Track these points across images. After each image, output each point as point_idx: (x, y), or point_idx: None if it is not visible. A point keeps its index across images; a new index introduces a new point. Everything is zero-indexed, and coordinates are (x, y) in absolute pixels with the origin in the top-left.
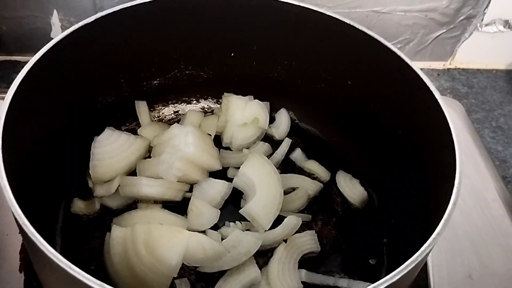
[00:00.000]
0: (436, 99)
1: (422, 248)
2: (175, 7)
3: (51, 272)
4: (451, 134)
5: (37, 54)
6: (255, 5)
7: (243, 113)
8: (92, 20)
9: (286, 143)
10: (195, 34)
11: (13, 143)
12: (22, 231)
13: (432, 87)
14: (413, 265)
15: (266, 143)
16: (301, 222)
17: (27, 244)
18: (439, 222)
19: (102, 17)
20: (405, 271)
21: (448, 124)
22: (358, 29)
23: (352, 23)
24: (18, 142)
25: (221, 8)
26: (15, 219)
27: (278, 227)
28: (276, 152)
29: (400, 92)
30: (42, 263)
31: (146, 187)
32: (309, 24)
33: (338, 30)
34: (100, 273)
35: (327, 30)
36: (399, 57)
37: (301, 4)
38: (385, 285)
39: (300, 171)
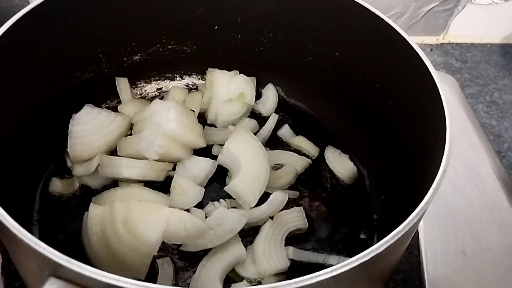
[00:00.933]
0: (426, 67)
1: (410, 218)
2: None
3: (17, 249)
4: (441, 101)
5: (6, 23)
6: None
7: (228, 88)
8: None
9: (273, 119)
10: (177, 6)
11: None
12: None
13: (422, 54)
14: (400, 235)
15: (253, 120)
16: (287, 198)
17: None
18: (428, 190)
19: None
20: (392, 241)
21: (438, 91)
22: None
23: None
24: None
25: None
26: None
27: (264, 204)
28: (262, 128)
29: (389, 62)
30: (8, 239)
31: (126, 168)
32: None
33: None
34: (79, 254)
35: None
36: (389, 26)
37: None
38: (372, 255)
39: (288, 147)
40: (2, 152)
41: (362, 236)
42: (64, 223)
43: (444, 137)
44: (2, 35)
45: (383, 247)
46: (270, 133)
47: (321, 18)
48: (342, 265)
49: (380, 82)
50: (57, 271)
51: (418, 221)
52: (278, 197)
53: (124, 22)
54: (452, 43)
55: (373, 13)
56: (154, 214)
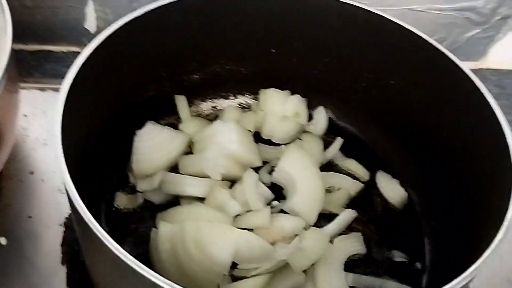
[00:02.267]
0: (487, 102)
1: (480, 260)
2: (218, 1)
3: (110, 268)
4: (504, 136)
5: (89, 46)
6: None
7: (283, 107)
8: (140, 14)
9: (338, 143)
10: (237, 29)
11: (67, 137)
12: (81, 223)
13: (483, 89)
14: (471, 277)
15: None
16: (356, 215)
17: (85, 237)
18: (493, 238)
19: (149, 11)
20: (463, 282)
21: (501, 127)
22: (403, 27)
23: (397, 20)
24: (71, 137)
25: (264, 2)
26: (71, 205)
27: (334, 221)
28: (327, 150)
29: (445, 92)
30: (101, 257)
31: (190, 186)
32: (352, 21)
33: (382, 27)
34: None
35: (370, 27)
36: (444, 55)
37: (343, 0)
38: None
39: (338, 170)
40: (77, 166)
41: (414, 261)
42: (128, 237)
43: (510, 173)
44: (83, 62)
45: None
46: (331, 157)
47: (376, 46)
48: None
49: (434, 112)
50: None
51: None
52: (349, 214)
53: (187, 43)
54: (491, 69)
55: (426, 41)
56: (225, 234)
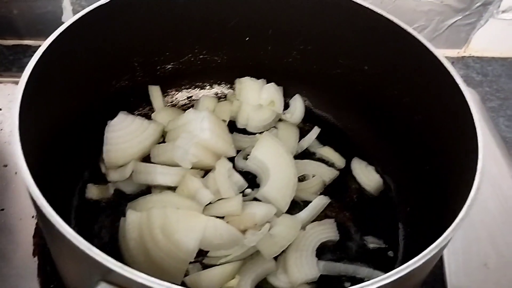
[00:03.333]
0: (457, 85)
1: (447, 232)
2: None
3: (67, 253)
4: (472, 120)
5: (49, 37)
6: None
7: (259, 96)
8: (106, 1)
9: (315, 132)
10: (210, 17)
11: (28, 128)
12: (39, 212)
13: (454, 72)
14: (437, 249)
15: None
16: (329, 201)
17: (44, 226)
18: (462, 206)
19: None
20: (429, 256)
21: (469, 110)
22: (377, 13)
23: (371, 7)
24: (33, 127)
25: None
26: (32, 200)
27: (306, 209)
28: (303, 139)
29: (419, 78)
30: (59, 243)
31: (161, 175)
32: (327, 7)
33: (356, 14)
34: (114, 258)
35: (345, 14)
36: (419, 42)
37: None
38: (410, 269)
39: (314, 157)
40: (42, 158)
41: (388, 248)
42: (99, 227)
43: (476, 154)
44: (47, 48)
45: (421, 261)
46: (309, 145)
47: (350, 32)
48: (382, 278)
49: (408, 96)
50: (108, 276)
51: (453, 236)
52: (321, 201)
53: (160, 32)
54: (473, 56)
55: (403, 28)
56: (192, 221)
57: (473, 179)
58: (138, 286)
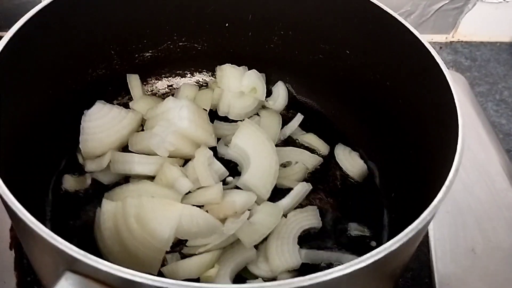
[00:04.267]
0: (438, 66)
1: (423, 215)
2: None
3: (33, 243)
4: (453, 100)
5: (20, 20)
6: None
7: (240, 83)
8: None
9: (297, 119)
10: (188, 3)
11: None
12: (3, 201)
13: (435, 54)
14: (413, 233)
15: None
16: (311, 188)
17: (10, 215)
18: (440, 188)
19: None
20: (405, 239)
21: (450, 90)
22: None
23: None
24: (4, 117)
25: None
26: None
27: (288, 196)
28: (285, 126)
29: (400, 61)
30: (25, 234)
31: (138, 164)
32: None
33: None
34: (91, 249)
35: None
36: (401, 24)
37: None
38: (385, 253)
39: (297, 144)
40: (14, 149)
41: (372, 234)
42: (76, 218)
43: (456, 136)
44: (15, 32)
45: (396, 245)
46: (291, 132)
47: (331, 16)
48: (355, 263)
49: (390, 80)
50: (73, 266)
51: (431, 219)
52: (303, 188)
53: (136, 19)
54: (462, 41)
55: (385, 11)
56: (167, 210)
57: (453, 160)
58: (103, 274)
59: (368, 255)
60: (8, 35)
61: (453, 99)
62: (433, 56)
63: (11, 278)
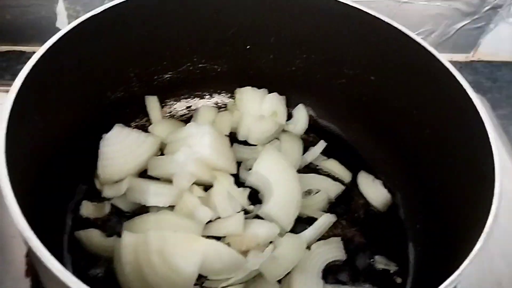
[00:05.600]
0: (468, 95)
1: (460, 269)
2: None
3: (51, 281)
4: (486, 134)
5: (43, 46)
6: None
7: (260, 106)
8: (101, 10)
9: (320, 146)
10: (208, 25)
11: (17, 141)
12: (26, 243)
13: (464, 82)
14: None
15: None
16: (335, 220)
17: (32, 256)
18: (478, 237)
19: (111, 7)
20: None
21: (483, 123)
22: (382, 21)
23: (376, 14)
24: (23, 140)
25: None
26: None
27: (311, 227)
28: (306, 153)
29: (427, 88)
30: (42, 270)
31: (153, 196)
32: (331, 15)
33: (361, 21)
34: (110, 280)
35: (349, 21)
36: (426, 50)
37: None
38: None
39: (318, 171)
40: (32, 174)
41: (398, 268)
42: None
43: (493, 173)
44: (40, 57)
45: None
46: (313, 159)
47: (356, 41)
48: None
49: (417, 108)
50: None
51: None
52: (328, 219)
53: (156, 41)
54: (483, 60)
55: (406, 34)
56: (190, 245)
57: (490, 204)
58: None
59: None
60: (33, 59)
61: (485, 129)
62: (457, 80)
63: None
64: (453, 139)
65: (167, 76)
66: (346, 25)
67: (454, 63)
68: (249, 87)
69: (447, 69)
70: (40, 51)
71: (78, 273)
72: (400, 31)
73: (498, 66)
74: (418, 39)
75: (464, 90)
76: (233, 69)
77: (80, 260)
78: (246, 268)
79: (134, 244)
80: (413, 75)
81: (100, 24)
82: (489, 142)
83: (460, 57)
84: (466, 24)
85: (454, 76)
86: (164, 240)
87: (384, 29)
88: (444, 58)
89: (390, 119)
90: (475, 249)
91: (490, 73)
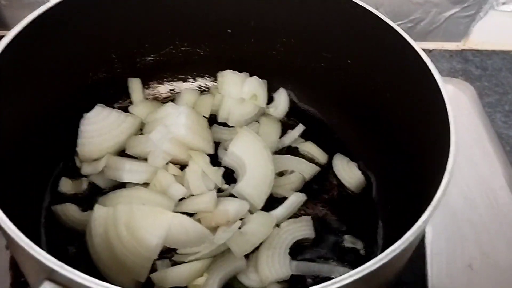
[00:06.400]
0: (433, 77)
1: (414, 227)
2: None
3: (17, 252)
4: (446, 110)
5: (20, 23)
6: None
7: (241, 89)
8: None
9: (298, 129)
10: (190, 9)
11: None
12: None
13: (431, 66)
14: (405, 245)
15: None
16: (305, 199)
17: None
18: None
19: None
20: (397, 251)
21: (443, 99)
22: (359, 5)
23: None
24: (3, 118)
25: None
26: None
27: (282, 205)
28: (285, 136)
29: (399, 72)
30: (10, 243)
31: (127, 173)
32: None
33: (340, 6)
34: (84, 254)
35: (328, 6)
36: (400, 35)
37: None
38: (376, 266)
39: (295, 153)
40: (13, 151)
41: (366, 247)
42: None
43: (448, 141)
44: (16, 34)
45: (388, 257)
46: (291, 142)
47: (333, 25)
48: (346, 276)
49: (390, 91)
50: (52, 275)
51: (422, 231)
52: (298, 198)
53: (138, 23)
54: (473, 49)
55: (384, 21)
56: (156, 218)
57: (441, 179)
58: (79, 285)
59: (359, 268)
60: (8, 36)
61: (446, 109)
62: (426, 64)
63: (6, 278)
64: (421, 121)
65: (149, 58)
66: (325, 9)
67: (444, 51)
68: (229, 70)
69: (416, 52)
70: (18, 26)
71: (54, 248)
72: (375, 15)
73: (488, 54)
74: (390, 22)
75: (430, 70)
76: (216, 53)
77: (56, 235)
78: (213, 243)
79: (104, 217)
80: (386, 59)
81: (80, 3)
82: (448, 120)
83: (451, 45)
84: (455, 12)
85: (421, 59)
86: (132, 213)
87: (361, 14)
88: (433, 47)
89: (366, 103)
90: (423, 216)
91: (480, 62)
